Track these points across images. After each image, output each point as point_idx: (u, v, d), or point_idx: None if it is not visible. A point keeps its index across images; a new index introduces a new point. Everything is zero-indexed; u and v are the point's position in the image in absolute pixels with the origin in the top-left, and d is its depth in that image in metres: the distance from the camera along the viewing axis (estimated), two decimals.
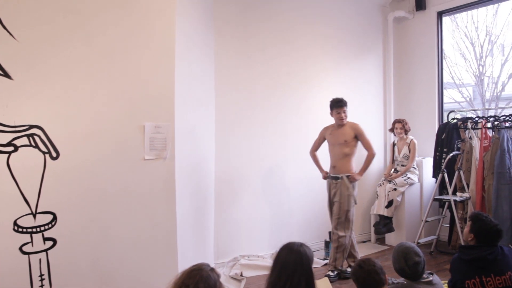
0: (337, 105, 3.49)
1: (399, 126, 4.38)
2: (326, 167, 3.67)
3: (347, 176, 3.47)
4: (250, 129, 4.04)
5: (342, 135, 3.48)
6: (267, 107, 4.12)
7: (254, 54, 4.06)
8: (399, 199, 4.27)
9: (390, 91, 4.93)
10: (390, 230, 4.25)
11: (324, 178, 3.64)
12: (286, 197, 4.14)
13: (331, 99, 3.55)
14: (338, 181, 3.50)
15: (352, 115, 4.58)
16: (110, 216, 2.48)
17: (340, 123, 3.51)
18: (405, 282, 2.12)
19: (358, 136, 3.47)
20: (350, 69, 4.67)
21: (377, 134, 4.90)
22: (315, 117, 3.99)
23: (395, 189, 4.22)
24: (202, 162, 3.48)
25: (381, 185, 4.35)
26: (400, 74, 4.99)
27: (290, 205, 3.99)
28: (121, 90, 2.53)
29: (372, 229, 4.51)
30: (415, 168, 4.39)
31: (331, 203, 3.59)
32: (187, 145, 3.05)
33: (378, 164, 4.89)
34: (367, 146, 3.49)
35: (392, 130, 4.51)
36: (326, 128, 3.67)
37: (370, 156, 3.48)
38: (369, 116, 4.82)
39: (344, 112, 3.49)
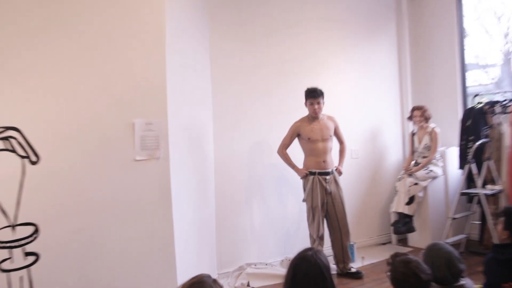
0: (311, 95, 3.52)
1: (418, 114, 4.31)
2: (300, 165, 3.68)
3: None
4: (252, 124, 3.99)
5: (326, 129, 3.57)
6: (271, 99, 4.06)
7: (253, 40, 3.99)
8: (421, 194, 4.19)
9: (407, 75, 4.86)
10: (411, 229, 4.16)
11: (305, 176, 3.57)
12: (294, 199, 4.07)
13: (306, 89, 3.58)
14: (331, 176, 3.56)
15: (365, 103, 4.60)
16: (99, 226, 2.43)
17: (314, 115, 3.54)
18: None
19: (336, 129, 3.68)
20: (361, 53, 4.60)
21: (393, 124, 4.83)
22: (325, 108, 3.94)
23: (416, 184, 4.15)
24: (200, 161, 3.43)
25: (400, 180, 4.27)
26: (417, 56, 4.90)
27: (299, 207, 3.94)
28: (106, 85, 2.48)
29: (392, 229, 4.44)
30: (438, 160, 4.31)
31: (324, 204, 3.53)
32: (183, 144, 3.00)
33: (397, 156, 4.82)
34: (342, 138, 3.77)
35: (410, 118, 4.44)
36: (300, 122, 3.62)
37: (345, 148, 3.79)
38: (384, 103, 4.75)
39: (318, 104, 3.52)
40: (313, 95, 3.51)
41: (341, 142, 3.78)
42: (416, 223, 4.20)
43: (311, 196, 3.54)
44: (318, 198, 3.51)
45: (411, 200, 4.14)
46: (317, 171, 3.54)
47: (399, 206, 4.19)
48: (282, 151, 3.66)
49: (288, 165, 3.67)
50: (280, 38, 4.11)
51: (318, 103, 3.52)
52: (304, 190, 3.62)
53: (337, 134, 3.72)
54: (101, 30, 2.46)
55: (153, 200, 2.58)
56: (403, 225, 4.15)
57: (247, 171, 3.98)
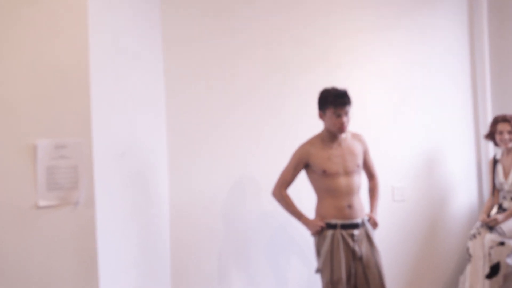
0: (338, 102, 3.54)
1: (506, 129, 4.37)
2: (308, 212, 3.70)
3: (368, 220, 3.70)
4: (230, 145, 4.13)
5: (352, 156, 3.65)
6: (259, 106, 4.21)
7: (230, 12, 4.16)
8: (510, 261, 4.23)
9: (484, 65, 4.91)
10: None
11: (319, 231, 3.60)
12: (301, 267, 4.17)
13: (322, 90, 3.60)
14: (361, 231, 3.60)
15: (414, 112, 4.66)
16: None
17: (339, 132, 3.60)
18: None
19: (365, 155, 3.79)
20: (407, 29, 4.71)
21: (462, 145, 4.89)
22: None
23: (502, 243, 4.20)
24: (146, 209, 3.51)
25: (475, 237, 4.33)
26: (503, 32, 4.96)
27: (311, 281, 3.98)
28: None
29: None
30: None
31: (352, 277, 3.56)
32: (118, 179, 3.08)
33: (468, 198, 4.88)
34: (373, 169, 3.90)
35: (491, 136, 4.52)
36: (309, 146, 3.67)
37: (378, 186, 3.90)
38: (446, 112, 4.83)
39: (347, 115, 3.56)
40: (343, 101, 3.54)
41: (371, 175, 3.89)
42: None
43: (329, 263, 3.54)
44: (341, 267, 3.52)
45: (494, 271, 4.19)
46: (339, 222, 3.56)
47: (475, 280, 4.25)
48: (281, 192, 3.69)
49: (290, 214, 3.70)
50: (271, 7, 4.26)
51: (347, 114, 3.57)
52: (319, 254, 3.64)
53: (366, 163, 3.81)
54: None
55: (67, 274, 2.63)
56: None
57: (221, 223, 4.08)
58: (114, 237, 2.92)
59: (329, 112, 3.53)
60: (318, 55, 4.39)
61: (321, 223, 3.56)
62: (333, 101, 3.51)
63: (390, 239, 4.34)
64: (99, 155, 2.75)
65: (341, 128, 3.54)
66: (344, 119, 3.51)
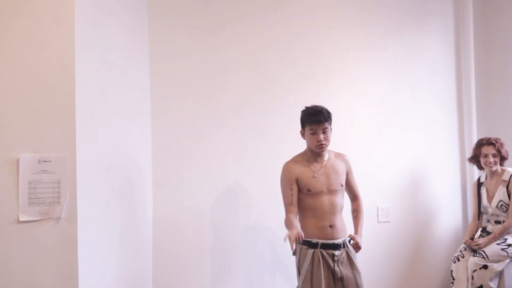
0: (313, 119, 3.55)
1: (491, 152, 4.39)
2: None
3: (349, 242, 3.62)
4: (217, 159, 4.14)
5: (335, 174, 3.64)
6: (243, 120, 4.24)
7: (216, 29, 4.19)
8: (493, 285, 4.24)
9: (470, 87, 4.97)
10: None
11: (293, 241, 3.34)
12: (285, 284, 4.15)
13: (303, 109, 3.61)
14: (342, 252, 3.57)
15: (400, 133, 4.68)
16: None
17: (318, 150, 3.59)
18: None
19: (348, 175, 3.77)
20: (394, 50, 4.76)
21: (447, 167, 4.93)
22: (332, 140, 4.04)
23: (485, 267, 4.21)
24: (130, 224, 3.50)
25: (459, 260, 4.35)
26: (488, 56, 5.02)
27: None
28: None
29: None
30: None
31: None
32: (101, 194, 3.06)
33: (452, 220, 4.91)
34: (357, 190, 3.84)
35: (475, 159, 4.55)
36: (294, 164, 3.65)
37: (362, 207, 3.82)
38: (431, 133, 4.87)
39: (325, 133, 3.56)
40: (317, 119, 3.54)
41: (354, 196, 3.84)
42: None
43: (309, 282, 3.53)
44: (321, 286, 3.52)
45: None
46: (320, 241, 3.56)
47: None
48: (292, 217, 3.56)
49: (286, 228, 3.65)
50: (258, 25, 4.31)
51: (325, 131, 3.59)
52: (299, 272, 3.64)
53: (349, 183, 3.79)
54: None
55: None
56: None
57: (205, 239, 4.09)
58: (95, 253, 2.90)
59: (306, 130, 3.55)
60: (305, 74, 4.43)
61: (298, 233, 3.31)
62: (308, 119, 3.53)
63: (374, 260, 4.35)
64: (83, 170, 2.75)
65: (319, 146, 3.53)
66: (321, 136, 3.50)
